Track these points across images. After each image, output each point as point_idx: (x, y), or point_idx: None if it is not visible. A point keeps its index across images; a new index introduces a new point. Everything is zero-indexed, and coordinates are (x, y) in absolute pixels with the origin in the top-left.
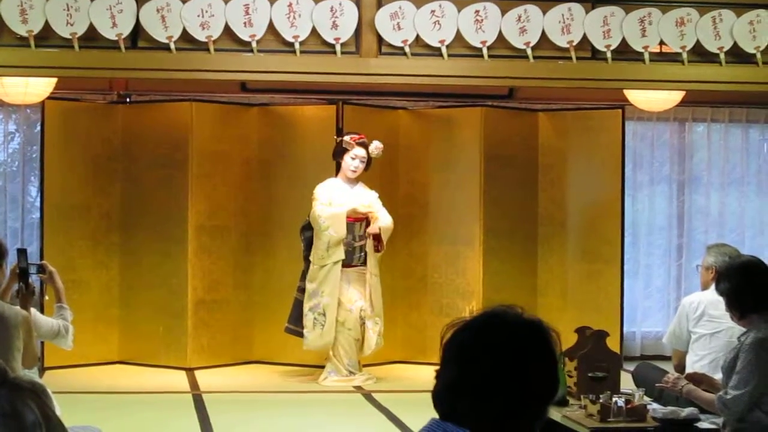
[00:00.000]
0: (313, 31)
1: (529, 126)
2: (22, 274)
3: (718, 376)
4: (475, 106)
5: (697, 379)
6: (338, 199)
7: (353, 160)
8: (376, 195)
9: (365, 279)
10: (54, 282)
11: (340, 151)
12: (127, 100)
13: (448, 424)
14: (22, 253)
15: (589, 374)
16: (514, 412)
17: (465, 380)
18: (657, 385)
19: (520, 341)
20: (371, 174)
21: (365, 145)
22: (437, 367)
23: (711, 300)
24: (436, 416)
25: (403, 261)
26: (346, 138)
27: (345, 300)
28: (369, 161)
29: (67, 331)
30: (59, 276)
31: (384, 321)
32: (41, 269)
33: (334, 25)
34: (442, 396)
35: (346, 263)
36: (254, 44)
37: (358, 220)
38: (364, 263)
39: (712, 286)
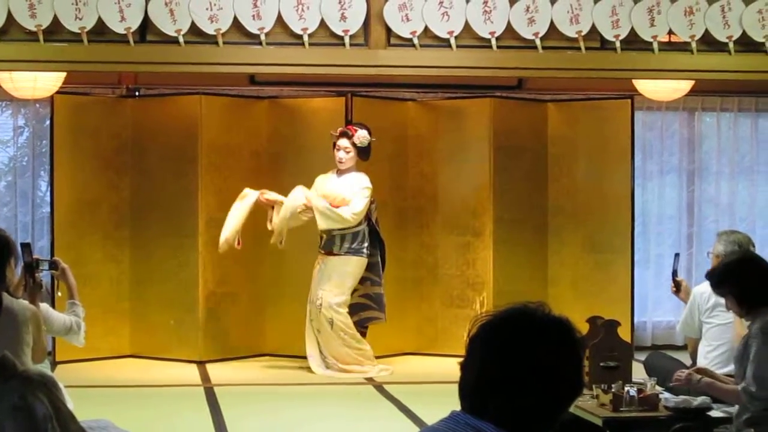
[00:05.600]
0: (322, 23)
1: (539, 116)
2: (27, 268)
3: (731, 367)
4: (484, 97)
5: (701, 374)
6: (322, 188)
7: (337, 151)
8: (363, 185)
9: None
10: (66, 278)
11: (333, 146)
12: (137, 93)
13: (470, 416)
14: (26, 247)
15: (601, 364)
16: (540, 408)
17: (492, 376)
18: (670, 384)
19: (549, 339)
20: (380, 165)
21: (348, 135)
22: (462, 360)
23: None
24: (453, 408)
25: (414, 252)
26: (333, 131)
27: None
28: (362, 151)
29: (80, 328)
30: (71, 272)
31: (390, 312)
32: (54, 265)
33: (343, 17)
34: (468, 390)
35: (328, 250)
36: (263, 37)
37: (338, 208)
38: (348, 252)
39: None
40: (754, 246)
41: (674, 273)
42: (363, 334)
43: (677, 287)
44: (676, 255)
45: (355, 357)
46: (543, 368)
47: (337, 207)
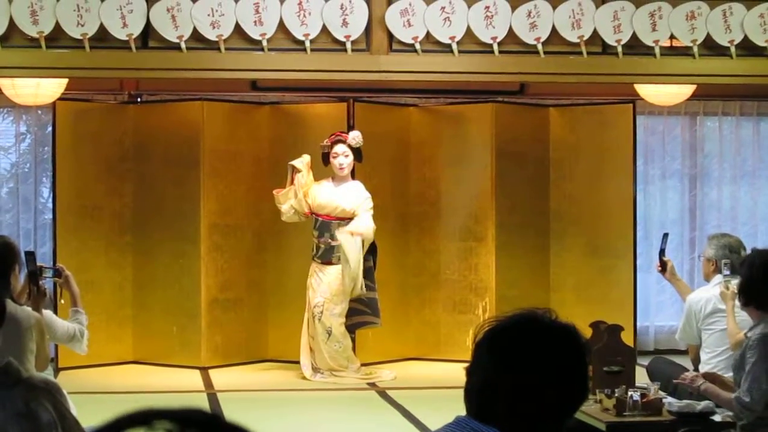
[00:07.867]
0: (324, 29)
1: (540, 121)
2: (31, 276)
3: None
4: (486, 102)
5: (710, 379)
6: (320, 197)
7: (336, 158)
8: (365, 196)
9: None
10: (70, 286)
11: (325, 157)
12: (138, 100)
13: (475, 422)
14: (30, 255)
15: (604, 368)
16: (546, 414)
17: (498, 381)
18: (674, 381)
19: (556, 345)
20: (382, 171)
21: (342, 141)
22: (467, 365)
23: (719, 296)
24: (456, 413)
25: (416, 258)
26: (322, 143)
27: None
28: (357, 152)
29: (83, 336)
30: (74, 279)
31: (393, 317)
32: (57, 273)
33: (345, 23)
34: (473, 395)
35: (326, 261)
36: (265, 43)
37: (336, 219)
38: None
39: (714, 279)
40: (745, 249)
41: (662, 252)
42: (351, 339)
43: (663, 267)
44: (665, 235)
45: (340, 363)
46: (549, 374)
47: (338, 218)
